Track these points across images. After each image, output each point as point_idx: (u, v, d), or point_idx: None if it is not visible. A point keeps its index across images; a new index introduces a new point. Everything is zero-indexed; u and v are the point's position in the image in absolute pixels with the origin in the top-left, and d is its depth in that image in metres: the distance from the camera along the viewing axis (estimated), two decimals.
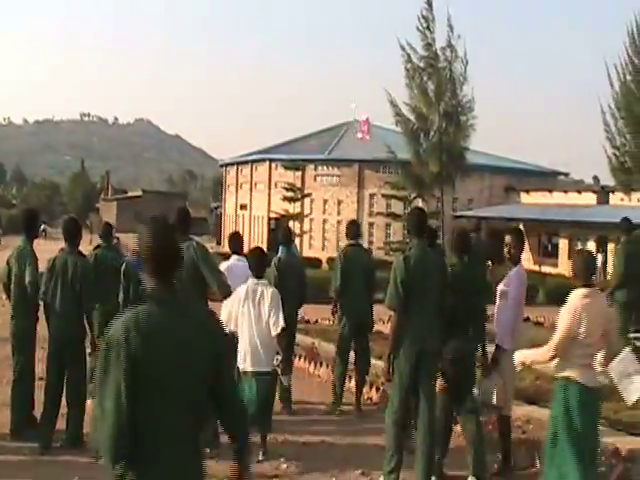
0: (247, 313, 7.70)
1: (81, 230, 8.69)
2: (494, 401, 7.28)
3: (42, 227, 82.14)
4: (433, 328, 6.91)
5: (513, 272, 7.48)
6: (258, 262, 8.00)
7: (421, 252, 7.03)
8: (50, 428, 8.05)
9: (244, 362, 7.66)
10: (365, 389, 10.48)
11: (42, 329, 8.67)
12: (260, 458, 7.61)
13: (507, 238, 7.62)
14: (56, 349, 8.13)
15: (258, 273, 7.94)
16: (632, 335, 6.34)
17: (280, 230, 11.79)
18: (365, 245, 33.15)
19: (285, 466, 7.59)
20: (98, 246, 10.76)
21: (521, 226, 47.28)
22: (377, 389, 10.52)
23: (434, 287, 6.99)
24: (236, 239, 10.25)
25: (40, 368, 9.08)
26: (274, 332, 7.60)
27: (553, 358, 6.11)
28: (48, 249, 11.99)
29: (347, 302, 10.11)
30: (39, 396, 8.52)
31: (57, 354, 8.13)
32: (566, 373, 6.06)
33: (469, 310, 7.09)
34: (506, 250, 7.53)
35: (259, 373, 7.64)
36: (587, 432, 6.09)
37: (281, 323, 7.63)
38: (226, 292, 7.74)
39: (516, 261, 7.55)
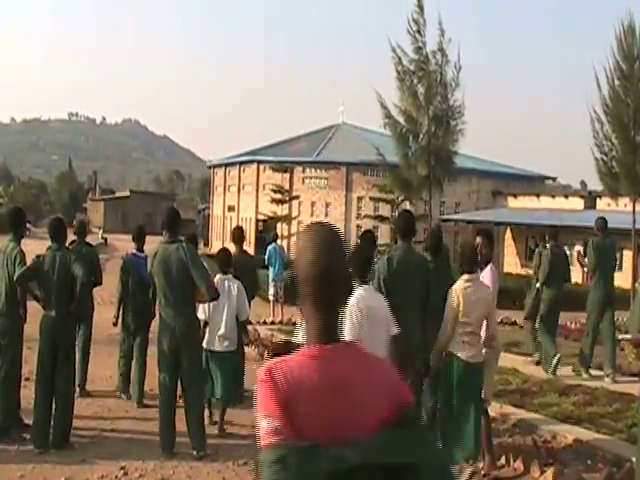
0: (219, 303, 8.61)
1: (66, 229, 8.71)
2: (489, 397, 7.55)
3: (27, 226, 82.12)
4: (415, 326, 6.99)
5: (485, 271, 7.65)
6: (225, 260, 9.19)
7: (405, 253, 7.23)
8: (45, 428, 8.02)
9: (215, 343, 8.78)
10: None
11: (28, 329, 8.65)
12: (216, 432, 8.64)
13: (477, 239, 7.85)
14: (48, 346, 8.10)
15: (224, 269, 9.08)
16: (621, 337, 6.63)
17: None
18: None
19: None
20: (73, 241, 10.74)
21: (508, 230, 47.75)
22: None
23: (416, 287, 7.15)
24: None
25: (27, 369, 9.04)
26: (242, 319, 9.04)
27: (449, 338, 6.91)
28: (34, 248, 11.95)
29: None
30: (26, 396, 8.52)
31: (49, 352, 8.11)
32: (450, 349, 6.92)
33: (415, 300, 7.20)
34: (477, 250, 7.61)
35: (229, 352, 8.86)
36: (467, 401, 6.89)
37: (247, 312, 9.19)
38: (214, 294, 7.85)
39: (487, 260, 7.79)
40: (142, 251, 10.49)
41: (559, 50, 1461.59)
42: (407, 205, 41.97)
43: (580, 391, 10.90)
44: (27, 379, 9.19)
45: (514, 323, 18.55)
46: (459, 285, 6.91)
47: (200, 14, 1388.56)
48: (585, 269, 13.24)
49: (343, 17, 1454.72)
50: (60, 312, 8.12)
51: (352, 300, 5.72)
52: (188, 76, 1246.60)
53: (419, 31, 23.48)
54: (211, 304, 8.50)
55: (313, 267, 2.35)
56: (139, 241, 10.80)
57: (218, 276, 8.90)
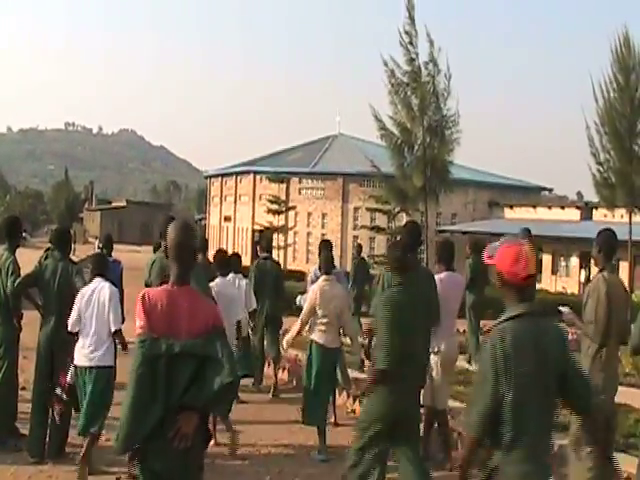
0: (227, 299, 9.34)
1: (71, 239, 8.68)
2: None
3: (24, 235, 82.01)
4: (421, 342, 6.89)
5: (439, 276, 8.11)
6: (221, 262, 10.35)
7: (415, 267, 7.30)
8: (42, 437, 8.00)
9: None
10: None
11: (24, 338, 8.63)
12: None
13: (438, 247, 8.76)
14: (46, 355, 8.09)
15: (221, 271, 10.11)
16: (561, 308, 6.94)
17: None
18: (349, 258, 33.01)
19: (268, 478, 7.56)
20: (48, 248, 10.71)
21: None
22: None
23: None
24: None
25: (23, 378, 9.02)
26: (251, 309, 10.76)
27: (303, 325, 8.62)
28: (29, 258, 11.94)
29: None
30: (22, 406, 8.49)
31: (46, 361, 8.09)
32: (311, 336, 8.53)
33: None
34: (436, 258, 8.57)
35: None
36: (324, 379, 8.48)
37: (254, 305, 10.85)
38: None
39: (445, 268, 8.31)
40: (110, 256, 11.80)
41: (555, 61, 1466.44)
42: (403, 216, 42.11)
43: None
44: (23, 388, 9.15)
45: None
46: (319, 283, 8.60)
47: (199, 27, 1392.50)
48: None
49: (340, 29, 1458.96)
50: (59, 321, 8.08)
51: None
52: (185, 88, 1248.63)
53: (411, 42, 23.52)
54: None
55: (173, 241, 4.38)
56: (107, 247, 12.13)
57: (231, 275, 10.45)
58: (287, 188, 53.42)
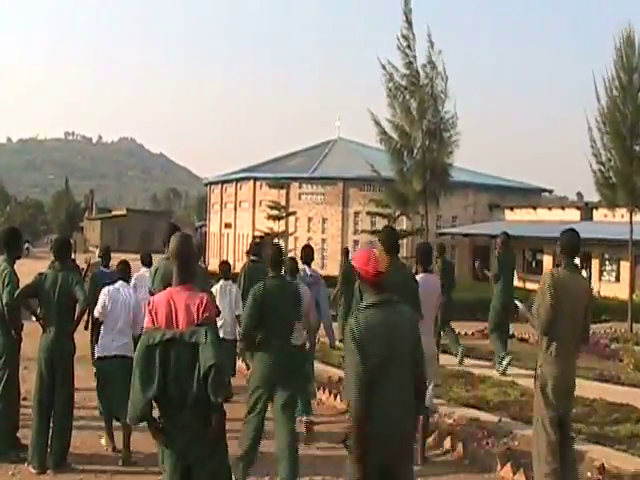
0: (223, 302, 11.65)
1: (71, 249, 8.71)
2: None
3: (26, 245, 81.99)
4: None
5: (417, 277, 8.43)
6: (226, 270, 12.37)
7: (393, 269, 7.17)
8: (44, 446, 7.99)
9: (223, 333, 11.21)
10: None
11: (24, 348, 8.62)
12: None
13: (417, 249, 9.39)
14: (46, 365, 8.08)
15: (226, 276, 12.20)
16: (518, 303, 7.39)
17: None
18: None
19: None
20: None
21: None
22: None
23: (403, 295, 7.19)
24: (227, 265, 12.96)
25: (24, 389, 9.01)
26: (237, 313, 11.48)
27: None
28: (32, 268, 11.99)
29: None
30: (23, 416, 8.48)
31: (47, 371, 8.09)
32: None
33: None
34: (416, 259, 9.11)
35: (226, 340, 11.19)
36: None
37: (240, 310, 10.84)
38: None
39: (422, 269, 8.84)
40: (107, 267, 13.45)
41: (556, 61, 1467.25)
42: (404, 220, 42.10)
43: (579, 403, 10.86)
44: (24, 399, 9.14)
45: (512, 336, 18.47)
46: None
47: (197, 33, 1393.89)
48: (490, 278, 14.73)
49: (339, 33, 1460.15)
50: (59, 332, 8.09)
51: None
52: (184, 94, 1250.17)
53: (409, 46, 23.52)
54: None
55: (174, 250, 5.27)
56: (105, 258, 13.71)
57: (221, 282, 12.02)
58: (287, 194, 53.44)
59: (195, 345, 4.92)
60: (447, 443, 9.00)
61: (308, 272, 11.51)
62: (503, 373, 13.24)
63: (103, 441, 8.79)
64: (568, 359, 6.90)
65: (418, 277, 8.52)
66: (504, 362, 13.43)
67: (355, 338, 4.66)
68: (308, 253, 11.96)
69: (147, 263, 13.02)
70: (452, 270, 15.77)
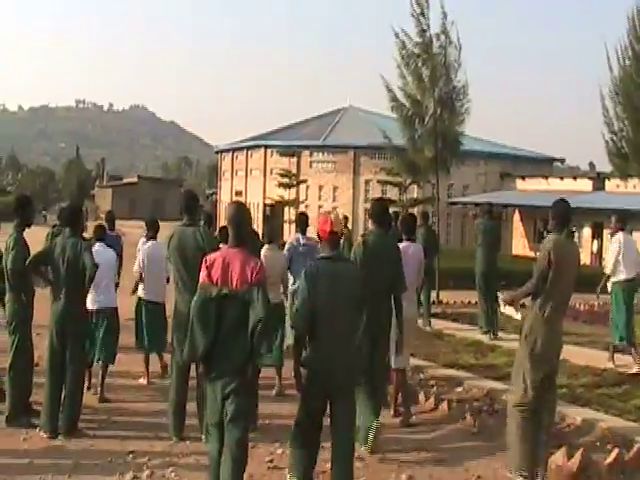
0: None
1: (82, 217, 8.67)
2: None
3: (43, 213, 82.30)
4: (385, 306, 7.94)
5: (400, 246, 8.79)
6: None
7: (378, 238, 8.08)
8: (55, 412, 8.04)
9: None
10: None
11: (36, 315, 8.66)
12: None
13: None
14: (57, 332, 8.12)
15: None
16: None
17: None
18: (361, 231, 32.85)
19: (280, 451, 7.58)
20: (55, 225, 11.61)
21: (517, 212, 47.62)
22: None
23: (388, 265, 7.97)
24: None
25: (36, 355, 9.05)
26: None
27: None
28: (42, 236, 12.01)
29: None
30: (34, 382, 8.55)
31: (59, 339, 8.12)
32: None
33: (385, 278, 7.92)
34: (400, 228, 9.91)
35: None
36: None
37: None
38: None
39: (406, 238, 9.48)
40: (112, 230, 12.97)
41: (569, 30, 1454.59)
42: (415, 188, 41.96)
43: (589, 372, 10.88)
44: (36, 365, 9.20)
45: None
46: (262, 251, 9.60)
47: (207, 1, 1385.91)
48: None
49: (350, 1, 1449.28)
50: (69, 299, 8.12)
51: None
52: (195, 62, 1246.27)
53: (422, 13, 23.22)
54: None
55: (230, 216, 5.94)
56: (109, 222, 13.30)
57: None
58: (298, 162, 53.36)
59: (247, 302, 5.63)
60: (454, 411, 9.04)
61: (302, 241, 11.38)
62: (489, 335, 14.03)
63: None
64: (559, 320, 7.08)
65: (403, 245, 9.05)
66: (484, 335, 14.08)
67: (307, 279, 6.15)
68: (303, 221, 11.80)
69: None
70: (435, 237, 16.78)
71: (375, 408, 7.68)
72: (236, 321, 5.67)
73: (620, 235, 11.76)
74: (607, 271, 11.91)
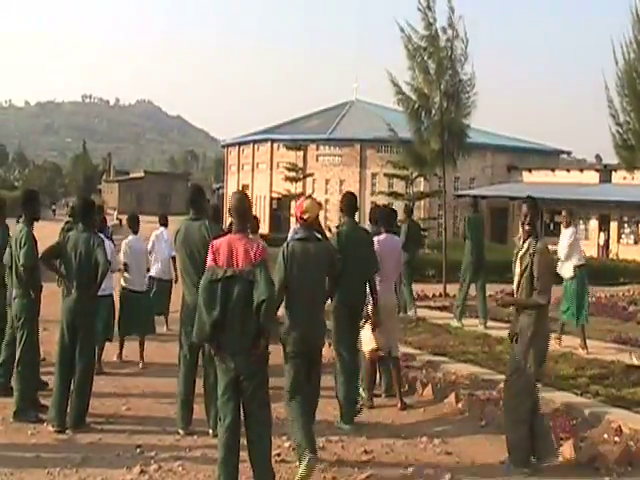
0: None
1: (94, 211, 8.62)
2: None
3: (52, 207, 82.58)
4: (360, 288, 8.53)
5: (378, 238, 9.35)
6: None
7: (350, 228, 8.68)
8: (64, 406, 8.04)
9: None
10: None
11: (44, 310, 8.67)
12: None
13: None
14: (68, 327, 8.12)
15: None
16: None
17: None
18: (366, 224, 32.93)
19: (287, 445, 7.57)
20: (68, 221, 11.96)
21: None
22: None
23: (361, 256, 8.45)
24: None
25: (43, 350, 9.06)
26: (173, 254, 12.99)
27: None
28: (54, 230, 12.14)
29: None
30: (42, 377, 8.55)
31: (69, 333, 8.12)
32: None
33: (360, 262, 8.41)
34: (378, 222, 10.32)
35: None
36: None
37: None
38: None
39: (384, 230, 9.71)
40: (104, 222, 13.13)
41: (575, 22, 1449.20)
42: (421, 181, 41.90)
43: (596, 365, 10.87)
44: (43, 359, 9.19)
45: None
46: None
47: None
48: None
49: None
50: (81, 294, 8.12)
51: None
52: (201, 56, 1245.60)
53: (429, 6, 23.17)
54: None
55: (233, 205, 6.30)
56: (99, 213, 13.48)
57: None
58: (304, 155, 53.35)
59: (251, 282, 5.98)
60: (462, 404, 9.03)
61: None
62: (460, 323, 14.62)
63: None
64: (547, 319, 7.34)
65: (382, 237, 9.48)
66: (455, 323, 14.68)
67: (284, 257, 7.01)
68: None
69: (164, 223, 14.66)
70: (419, 231, 17.56)
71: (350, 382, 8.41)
72: (242, 300, 6.00)
73: (572, 228, 12.99)
74: (561, 257, 12.66)
